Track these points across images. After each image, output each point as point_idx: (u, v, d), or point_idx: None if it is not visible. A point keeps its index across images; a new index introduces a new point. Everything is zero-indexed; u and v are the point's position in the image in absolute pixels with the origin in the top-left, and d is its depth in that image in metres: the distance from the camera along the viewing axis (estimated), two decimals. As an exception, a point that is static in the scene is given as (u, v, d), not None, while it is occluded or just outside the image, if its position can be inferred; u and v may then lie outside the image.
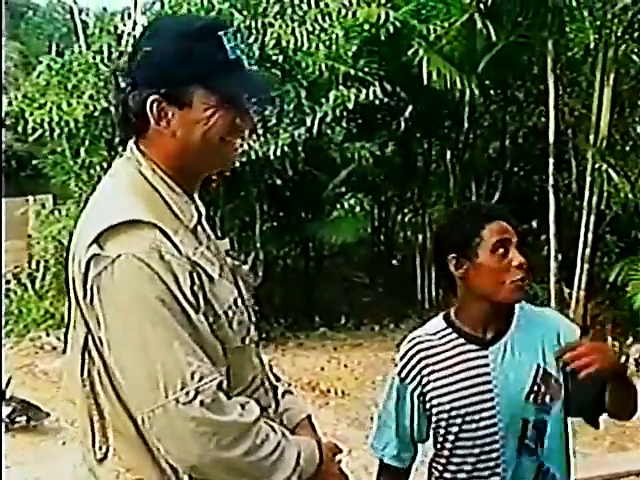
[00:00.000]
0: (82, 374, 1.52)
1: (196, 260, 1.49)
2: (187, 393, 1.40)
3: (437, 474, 2.09)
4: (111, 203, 1.51)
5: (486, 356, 1.99)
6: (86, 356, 1.52)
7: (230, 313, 1.54)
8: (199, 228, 1.59)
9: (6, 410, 5.62)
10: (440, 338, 2.04)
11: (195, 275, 1.48)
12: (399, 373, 2.07)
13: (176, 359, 1.41)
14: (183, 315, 1.44)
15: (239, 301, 1.58)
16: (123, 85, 1.53)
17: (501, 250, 1.94)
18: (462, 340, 2.02)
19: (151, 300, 1.41)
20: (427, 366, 2.03)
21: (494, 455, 1.98)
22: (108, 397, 1.51)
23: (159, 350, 1.41)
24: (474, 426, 1.98)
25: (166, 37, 1.54)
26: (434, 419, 2.03)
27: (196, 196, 1.64)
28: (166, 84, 1.50)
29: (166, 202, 1.53)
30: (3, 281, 9.50)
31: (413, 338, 2.09)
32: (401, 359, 2.08)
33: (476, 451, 1.99)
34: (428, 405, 2.03)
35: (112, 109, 1.71)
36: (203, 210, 1.64)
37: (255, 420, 1.49)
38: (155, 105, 1.50)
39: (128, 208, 1.47)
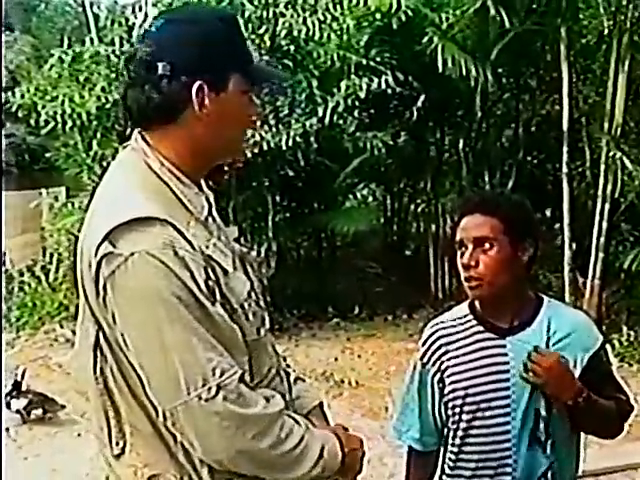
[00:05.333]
0: (95, 372, 1.51)
1: (210, 254, 1.48)
2: (209, 389, 1.39)
3: (448, 461, 2.09)
4: (120, 198, 1.48)
5: (504, 345, 1.98)
6: (98, 354, 1.50)
7: (246, 305, 1.53)
8: (209, 219, 1.57)
9: (22, 402, 5.66)
10: (461, 324, 2.05)
11: (210, 270, 1.46)
12: (421, 358, 2.09)
13: (195, 356, 1.40)
14: (200, 310, 1.42)
15: (252, 292, 1.57)
16: (160, 72, 1.47)
17: (462, 248, 1.97)
18: (481, 328, 2.02)
19: (167, 297, 1.39)
20: (447, 352, 2.04)
21: (506, 445, 1.97)
22: (122, 394, 1.50)
23: (178, 347, 1.40)
24: (488, 414, 1.98)
25: (206, 22, 1.54)
26: (450, 405, 2.03)
27: (204, 186, 1.62)
28: (209, 70, 1.50)
29: (175, 195, 1.50)
30: (3, 276, 9.56)
31: (436, 324, 2.10)
32: (423, 344, 2.09)
33: (488, 440, 1.99)
34: (446, 390, 2.04)
35: (128, 97, 1.65)
36: (213, 200, 1.63)
37: (279, 412, 1.49)
38: (200, 92, 1.49)
39: (139, 204, 1.44)
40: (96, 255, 1.42)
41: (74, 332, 1.64)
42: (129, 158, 1.56)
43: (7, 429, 5.57)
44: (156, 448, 1.50)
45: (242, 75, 1.54)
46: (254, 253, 1.71)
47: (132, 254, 1.39)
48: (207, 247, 1.48)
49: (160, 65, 1.47)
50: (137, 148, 1.54)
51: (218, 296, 1.46)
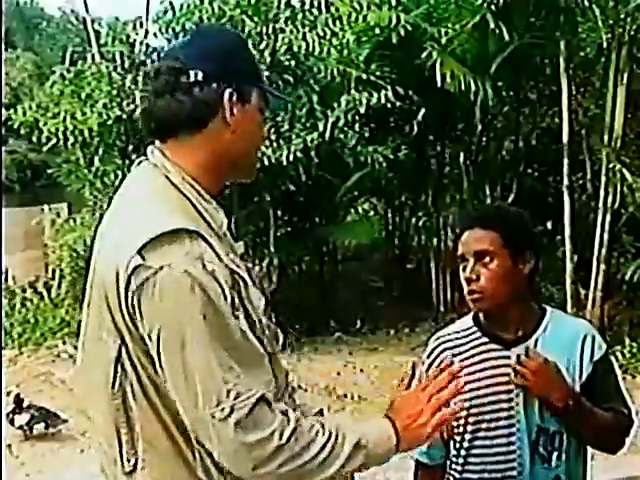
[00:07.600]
0: (113, 386, 1.50)
1: (233, 268, 1.49)
2: (222, 410, 1.40)
3: (454, 473, 2.08)
4: (146, 212, 1.49)
5: (508, 357, 1.98)
6: (119, 369, 1.49)
7: (264, 319, 1.54)
8: (227, 234, 1.59)
9: (24, 418, 5.65)
10: (466, 336, 2.06)
11: (234, 283, 1.47)
12: (426, 370, 2.08)
13: (213, 376, 1.41)
14: (223, 328, 1.43)
15: (266, 307, 1.58)
16: (191, 79, 1.51)
17: (464, 262, 1.99)
18: (485, 339, 2.02)
19: (193, 314, 1.40)
20: (452, 364, 2.03)
21: (510, 457, 1.97)
22: (142, 410, 1.49)
23: (197, 365, 1.41)
24: (492, 425, 1.98)
25: (231, 37, 1.64)
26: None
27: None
28: (237, 80, 1.55)
29: (197, 209, 1.51)
30: (3, 287, 9.57)
31: (440, 336, 2.11)
32: (428, 356, 2.10)
33: (492, 451, 1.99)
34: (451, 402, 2.03)
35: (154, 108, 1.64)
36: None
37: (291, 432, 1.46)
38: (232, 98, 1.53)
39: (166, 217, 1.45)
40: (127, 269, 1.42)
41: (77, 348, 1.64)
42: (148, 173, 1.56)
43: (9, 445, 5.57)
44: (173, 464, 1.49)
45: (260, 91, 1.60)
46: (257, 268, 1.71)
47: (161, 267, 1.40)
48: (230, 261, 1.50)
49: (192, 72, 1.51)
50: (156, 162, 1.55)
51: (242, 309, 1.48)
